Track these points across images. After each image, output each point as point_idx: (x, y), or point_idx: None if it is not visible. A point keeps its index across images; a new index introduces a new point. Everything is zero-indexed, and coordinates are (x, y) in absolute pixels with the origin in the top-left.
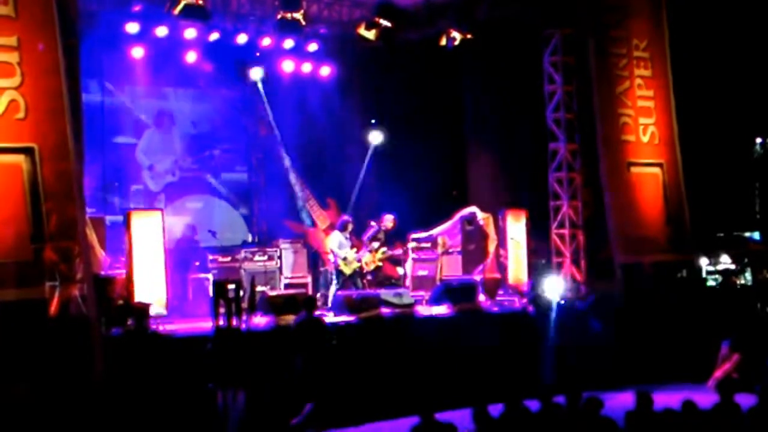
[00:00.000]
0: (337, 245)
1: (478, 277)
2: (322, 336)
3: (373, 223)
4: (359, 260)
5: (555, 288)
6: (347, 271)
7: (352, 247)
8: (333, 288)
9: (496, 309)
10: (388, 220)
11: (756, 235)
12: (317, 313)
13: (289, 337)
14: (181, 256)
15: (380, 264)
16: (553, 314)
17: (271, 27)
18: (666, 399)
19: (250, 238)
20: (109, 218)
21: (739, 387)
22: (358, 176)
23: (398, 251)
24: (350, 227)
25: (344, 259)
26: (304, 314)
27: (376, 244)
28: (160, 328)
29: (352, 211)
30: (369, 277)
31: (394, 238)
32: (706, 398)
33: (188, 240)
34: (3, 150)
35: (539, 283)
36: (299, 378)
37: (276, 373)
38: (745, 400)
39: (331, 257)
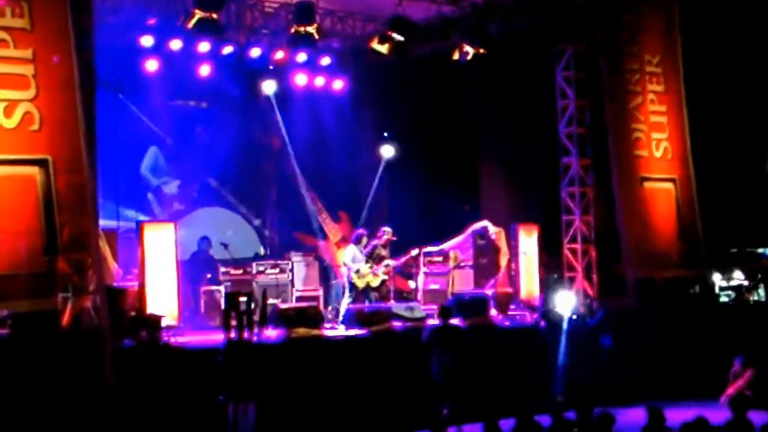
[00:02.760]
0: (350, 259)
1: (489, 292)
2: (459, 342)
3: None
4: (374, 274)
5: (566, 303)
6: (360, 284)
7: (366, 261)
8: (345, 301)
9: (507, 323)
10: (387, 233)
11: None
12: (452, 321)
13: (423, 345)
14: (196, 269)
15: (384, 277)
16: (565, 329)
17: (284, 41)
18: (678, 415)
19: (261, 251)
20: (122, 224)
21: (752, 404)
22: (370, 190)
23: (399, 260)
24: (365, 241)
25: (357, 272)
26: (441, 322)
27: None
28: (172, 340)
29: (363, 224)
30: (375, 293)
31: (406, 251)
32: (718, 415)
33: (203, 253)
34: (17, 162)
35: (551, 297)
36: (435, 383)
37: (287, 386)
38: (758, 417)
39: (344, 270)
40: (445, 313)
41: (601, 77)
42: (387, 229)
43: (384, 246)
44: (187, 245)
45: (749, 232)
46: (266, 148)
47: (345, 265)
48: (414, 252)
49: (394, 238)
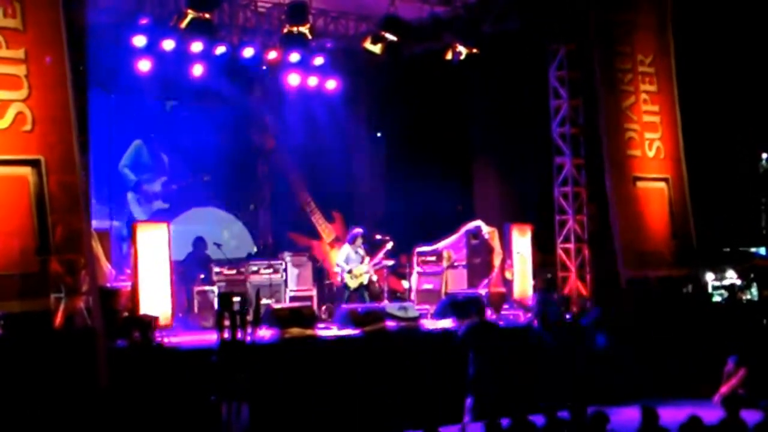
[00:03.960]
0: (344, 259)
1: (483, 291)
2: (495, 339)
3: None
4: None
5: (560, 302)
6: (352, 284)
7: (361, 261)
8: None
9: (501, 323)
10: (358, 234)
11: (762, 251)
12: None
13: (459, 343)
14: (191, 269)
15: (370, 276)
16: (558, 329)
17: (277, 41)
18: (671, 414)
19: (255, 250)
20: (116, 223)
21: (745, 403)
22: (364, 190)
23: (377, 255)
24: (360, 241)
25: (349, 272)
26: (476, 320)
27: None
28: (165, 340)
29: (356, 225)
30: (367, 293)
31: (400, 251)
32: (711, 414)
33: (199, 253)
34: (9, 162)
35: (544, 297)
36: (472, 380)
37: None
38: (751, 416)
39: (337, 270)
40: (480, 310)
41: (594, 77)
42: (358, 230)
43: (359, 246)
44: (180, 245)
45: (742, 231)
46: (259, 148)
47: (338, 265)
48: (389, 244)
49: (361, 240)
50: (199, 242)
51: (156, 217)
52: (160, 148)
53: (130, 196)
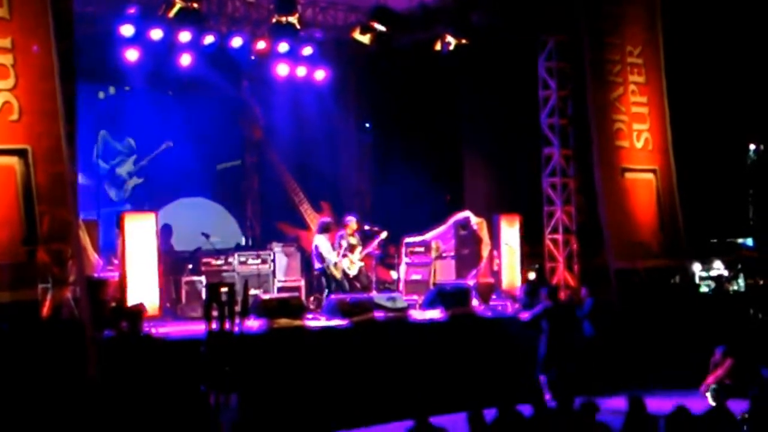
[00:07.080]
0: (326, 250)
1: (471, 282)
2: (569, 321)
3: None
4: (350, 262)
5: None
6: (337, 275)
7: (351, 250)
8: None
9: (489, 313)
10: (351, 222)
11: (749, 242)
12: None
13: (528, 323)
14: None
15: (361, 264)
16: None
17: (266, 30)
18: (659, 404)
19: (243, 241)
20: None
21: (732, 393)
22: (353, 180)
23: (371, 245)
24: (332, 228)
25: (334, 264)
26: (550, 303)
27: (346, 245)
28: (153, 330)
29: (345, 214)
30: (356, 283)
31: (388, 242)
32: (698, 404)
33: (163, 243)
34: None
35: (532, 288)
36: (543, 359)
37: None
38: (737, 406)
39: (317, 264)
40: (552, 293)
41: (583, 68)
42: (351, 218)
43: (352, 235)
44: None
45: (729, 223)
46: (248, 138)
47: (321, 255)
48: (383, 234)
49: (355, 228)
50: (164, 232)
51: (135, 194)
52: (127, 134)
53: (106, 185)
